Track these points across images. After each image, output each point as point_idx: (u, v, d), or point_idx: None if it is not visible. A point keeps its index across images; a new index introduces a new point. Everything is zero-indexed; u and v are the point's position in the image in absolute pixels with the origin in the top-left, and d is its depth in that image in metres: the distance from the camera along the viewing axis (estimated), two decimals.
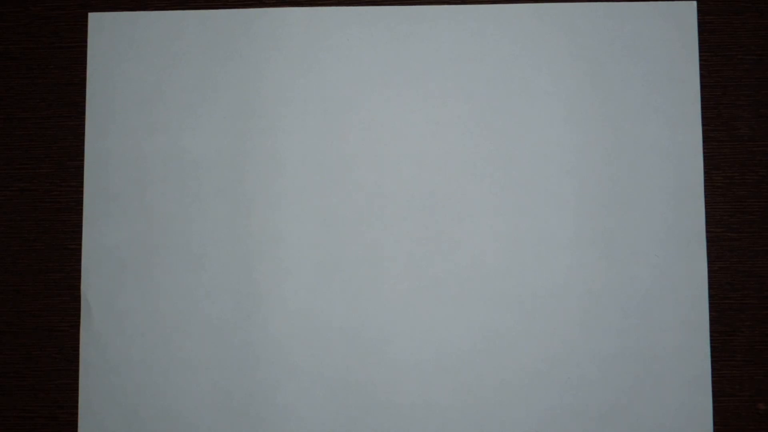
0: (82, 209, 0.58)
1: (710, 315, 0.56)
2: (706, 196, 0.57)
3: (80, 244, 0.58)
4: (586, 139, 0.57)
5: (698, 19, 0.58)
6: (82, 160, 0.58)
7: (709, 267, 0.57)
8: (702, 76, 0.58)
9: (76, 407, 0.57)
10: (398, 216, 0.57)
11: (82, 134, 0.59)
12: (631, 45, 0.58)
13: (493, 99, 0.58)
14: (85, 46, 0.59)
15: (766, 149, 0.57)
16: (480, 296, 0.56)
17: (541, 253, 0.57)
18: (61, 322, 0.58)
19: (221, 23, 0.59)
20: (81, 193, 0.58)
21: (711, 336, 0.56)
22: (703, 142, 0.57)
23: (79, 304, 0.58)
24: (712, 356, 0.56)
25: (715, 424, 0.56)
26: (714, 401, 0.56)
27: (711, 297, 0.56)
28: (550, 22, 0.58)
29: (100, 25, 0.59)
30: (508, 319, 0.56)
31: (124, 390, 0.57)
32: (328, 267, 0.57)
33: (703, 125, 0.57)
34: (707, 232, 0.57)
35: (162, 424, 0.56)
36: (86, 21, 0.59)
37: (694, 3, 0.58)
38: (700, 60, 0.58)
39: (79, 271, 0.58)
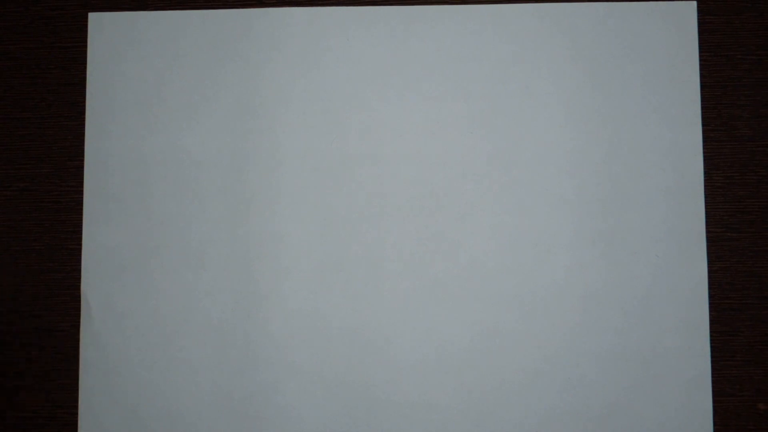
0: (82, 209, 0.58)
1: (710, 315, 0.56)
2: (706, 196, 0.57)
3: (80, 244, 0.58)
4: (586, 139, 0.57)
5: (698, 19, 0.58)
6: (82, 160, 0.58)
7: (709, 267, 0.57)
8: (702, 76, 0.58)
9: (76, 407, 0.57)
10: (398, 216, 0.57)
11: (82, 134, 0.59)
12: (631, 45, 0.58)
13: (493, 99, 0.58)
14: (85, 46, 0.59)
15: (766, 149, 0.57)
16: (480, 296, 0.56)
17: (541, 253, 0.57)
18: (61, 322, 0.58)
19: (221, 23, 0.59)
20: (81, 193, 0.58)
21: (711, 336, 0.56)
22: (703, 142, 0.57)
23: (79, 304, 0.58)
24: (712, 356, 0.56)
25: (715, 424, 0.56)
26: (714, 401, 0.56)
27: (711, 297, 0.56)
28: (550, 22, 0.58)
29: (100, 25, 0.59)
30: (508, 319, 0.56)
31: (124, 390, 0.57)
32: (328, 267, 0.57)
33: (703, 125, 0.57)
34: (707, 232, 0.57)
35: (162, 424, 0.56)
36: (86, 21, 0.59)
37: (694, 3, 0.58)
38: (700, 60, 0.58)
39: (79, 271, 0.58)
